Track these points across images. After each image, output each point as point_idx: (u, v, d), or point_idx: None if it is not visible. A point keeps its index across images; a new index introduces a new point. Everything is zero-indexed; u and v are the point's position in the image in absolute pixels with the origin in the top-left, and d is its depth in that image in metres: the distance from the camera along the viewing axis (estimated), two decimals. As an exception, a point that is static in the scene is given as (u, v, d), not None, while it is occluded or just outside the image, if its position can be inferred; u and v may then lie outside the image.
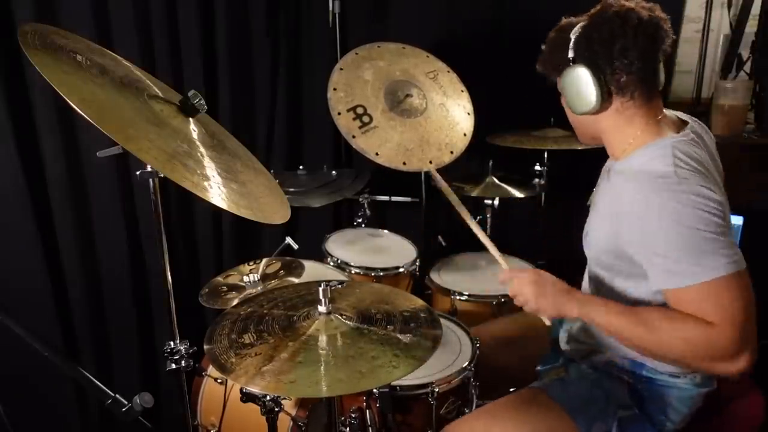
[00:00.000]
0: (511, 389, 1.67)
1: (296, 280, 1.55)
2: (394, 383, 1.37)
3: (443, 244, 2.41)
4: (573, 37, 1.18)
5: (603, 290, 1.30)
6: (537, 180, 2.34)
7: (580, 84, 1.18)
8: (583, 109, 1.21)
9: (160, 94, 1.18)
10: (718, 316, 1.06)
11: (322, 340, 1.08)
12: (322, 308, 1.14)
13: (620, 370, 1.31)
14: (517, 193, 2.13)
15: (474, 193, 2.17)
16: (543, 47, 1.29)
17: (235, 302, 1.48)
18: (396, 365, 1.00)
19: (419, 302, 1.25)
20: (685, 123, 1.26)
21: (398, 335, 1.09)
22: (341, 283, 1.28)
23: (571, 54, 1.19)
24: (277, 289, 1.35)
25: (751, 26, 2.41)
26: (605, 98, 1.18)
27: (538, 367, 1.48)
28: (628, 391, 1.29)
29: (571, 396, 1.29)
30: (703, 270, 1.05)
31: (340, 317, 1.14)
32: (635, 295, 1.23)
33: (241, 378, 0.99)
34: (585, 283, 1.43)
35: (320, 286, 1.14)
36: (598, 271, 1.31)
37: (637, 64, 1.15)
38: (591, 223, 1.31)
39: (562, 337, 1.46)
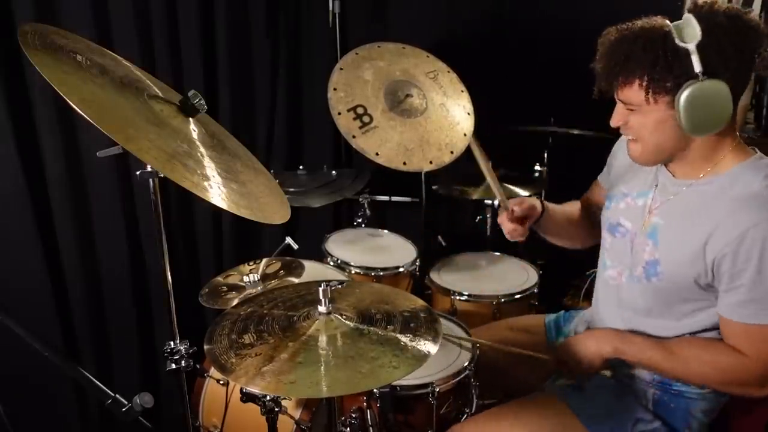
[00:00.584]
0: (511, 389, 1.68)
1: (296, 280, 1.55)
2: (395, 383, 1.36)
3: (443, 244, 2.41)
4: (693, 45, 1.01)
5: (659, 309, 1.24)
6: (537, 171, 2.33)
7: (716, 101, 1.02)
8: (708, 130, 1.07)
9: (160, 94, 1.18)
10: (755, 353, 1.09)
11: (323, 340, 1.08)
12: (322, 308, 1.14)
13: (647, 383, 1.28)
14: (518, 193, 2.13)
15: (474, 194, 2.17)
16: (621, 54, 1.08)
17: (235, 302, 1.48)
18: (396, 365, 1.00)
19: (419, 302, 1.24)
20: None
21: (399, 336, 1.09)
22: (341, 283, 1.28)
23: (698, 67, 1.00)
24: (277, 289, 1.35)
25: (751, 26, 2.41)
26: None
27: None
28: (653, 403, 1.27)
29: (589, 407, 1.27)
30: None
31: (340, 317, 1.14)
32: (702, 320, 1.20)
33: (242, 378, 0.98)
34: (618, 309, 1.33)
35: (320, 286, 1.14)
36: (669, 298, 1.21)
37: (754, 73, 1.07)
38: (666, 251, 1.18)
39: None
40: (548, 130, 2.36)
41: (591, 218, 1.52)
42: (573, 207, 1.60)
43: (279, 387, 0.97)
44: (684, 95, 1.03)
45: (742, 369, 1.11)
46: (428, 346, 1.06)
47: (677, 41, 1.02)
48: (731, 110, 1.04)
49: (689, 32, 1.02)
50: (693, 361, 1.16)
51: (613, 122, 1.18)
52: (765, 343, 1.08)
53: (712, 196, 1.12)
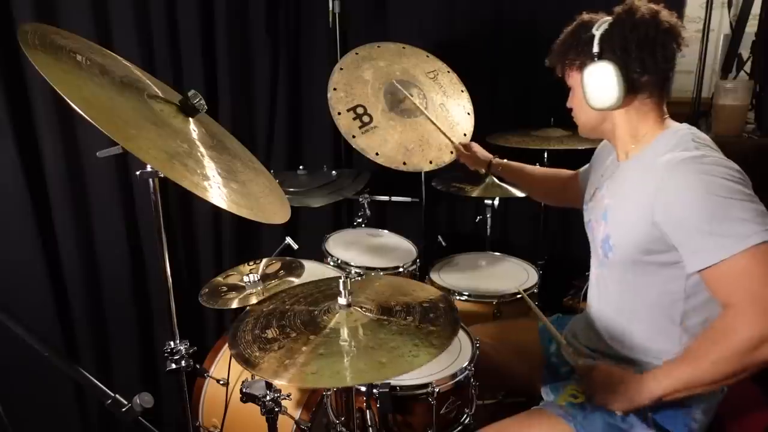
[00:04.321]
0: (511, 389, 1.68)
1: (296, 280, 1.55)
2: (394, 383, 1.36)
3: (443, 244, 2.41)
4: (598, 33, 1.20)
5: (624, 297, 1.29)
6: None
7: (605, 79, 1.20)
8: (603, 105, 1.23)
9: (160, 94, 1.18)
10: (741, 295, 1.06)
11: (344, 332, 1.09)
12: (342, 300, 1.16)
13: None
14: (517, 193, 2.13)
15: (474, 193, 2.17)
16: (558, 41, 1.31)
17: (235, 304, 1.48)
18: (416, 354, 1.01)
19: (437, 293, 1.27)
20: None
21: (418, 326, 1.11)
22: (360, 275, 1.29)
23: (596, 49, 1.21)
24: (299, 286, 1.38)
25: (751, 26, 2.41)
26: (627, 94, 1.21)
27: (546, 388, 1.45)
28: (653, 410, 1.25)
29: (592, 426, 1.25)
30: (734, 241, 1.05)
31: (360, 310, 1.16)
32: (664, 293, 1.22)
33: (266, 371, 1.00)
34: (594, 299, 1.41)
35: (341, 278, 1.16)
36: (622, 275, 1.28)
37: (662, 65, 1.20)
38: (611, 225, 1.29)
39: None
40: (550, 134, 2.35)
41: (563, 192, 1.72)
42: (556, 171, 1.79)
43: (303, 378, 0.98)
44: (583, 72, 1.23)
45: (745, 320, 1.05)
46: (447, 335, 1.07)
47: (592, 30, 1.21)
48: (622, 88, 1.19)
49: (603, 24, 1.21)
50: (711, 352, 1.10)
51: (567, 103, 1.37)
52: (743, 278, 1.05)
53: (641, 169, 1.23)
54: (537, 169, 1.82)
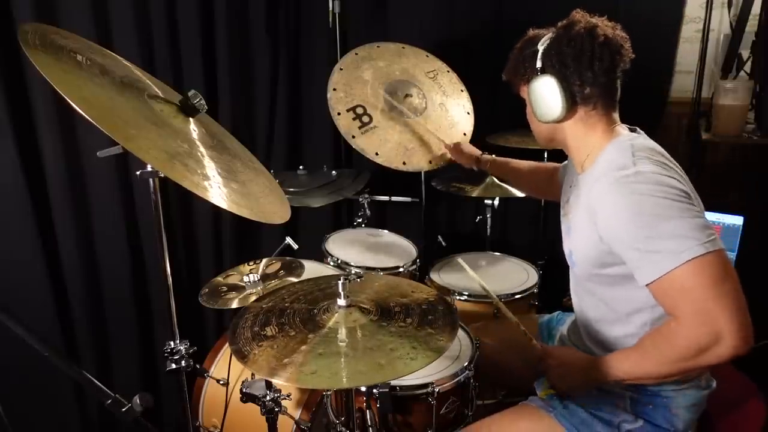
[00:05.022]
0: (510, 389, 1.68)
1: (296, 280, 1.55)
2: (394, 383, 1.36)
3: (443, 244, 2.41)
4: (541, 48, 1.24)
5: (599, 306, 1.31)
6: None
7: (547, 93, 1.24)
8: (549, 117, 1.26)
9: (160, 94, 1.18)
10: (683, 308, 1.09)
11: (342, 332, 1.10)
12: (341, 301, 1.16)
13: (624, 386, 1.29)
14: (517, 193, 2.13)
15: (474, 193, 2.17)
16: (510, 57, 1.35)
17: (235, 304, 1.48)
18: (414, 357, 1.01)
19: (436, 294, 1.28)
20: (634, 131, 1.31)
21: (417, 328, 1.11)
22: (360, 276, 1.30)
23: (539, 64, 1.24)
24: (298, 283, 1.38)
25: (751, 26, 2.41)
26: (570, 107, 1.24)
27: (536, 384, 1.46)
28: (631, 405, 1.28)
29: (574, 416, 1.29)
30: (668, 258, 1.06)
31: (359, 310, 1.16)
32: (632, 302, 1.24)
33: (263, 370, 1.00)
34: (575, 305, 1.44)
35: (339, 279, 1.16)
36: (591, 287, 1.31)
37: (601, 78, 1.21)
38: (573, 240, 1.32)
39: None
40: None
41: (549, 185, 1.72)
42: (542, 165, 1.81)
43: (300, 378, 0.98)
44: (528, 87, 1.27)
45: (685, 332, 1.09)
46: (445, 338, 1.08)
47: (537, 46, 1.25)
48: (564, 101, 1.22)
49: (546, 40, 1.24)
50: (650, 352, 1.16)
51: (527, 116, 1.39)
52: (682, 292, 1.07)
53: (586, 183, 1.26)
54: (524, 163, 1.82)
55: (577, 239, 1.29)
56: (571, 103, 1.23)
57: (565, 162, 1.60)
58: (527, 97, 1.30)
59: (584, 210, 1.24)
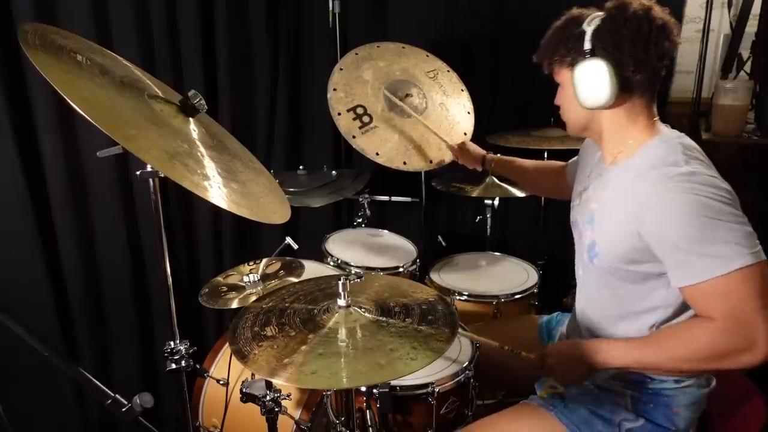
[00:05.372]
0: (510, 389, 1.68)
1: (296, 281, 1.55)
2: (394, 383, 1.36)
3: (443, 244, 2.41)
4: (590, 29, 1.16)
5: (610, 301, 1.29)
6: None
7: (596, 77, 1.15)
8: (593, 104, 1.19)
9: (160, 94, 1.18)
10: (719, 312, 1.08)
11: (342, 332, 1.10)
12: (341, 302, 1.15)
13: (624, 384, 1.29)
14: (517, 193, 2.13)
15: (474, 193, 2.17)
16: (547, 37, 1.26)
17: (235, 304, 1.48)
18: (414, 357, 1.01)
19: (436, 294, 1.28)
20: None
21: (417, 328, 1.11)
22: (360, 276, 1.29)
23: (587, 46, 1.16)
24: (298, 283, 1.37)
25: (751, 26, 2.41)
26: (618, 94, 1.16)
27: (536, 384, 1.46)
28: (632, 404, 1.27)
29: (575, 415, 1.28)
30: (718, 263, 1.05)
31: (359, 310, 1.16)
32: (648, 301, 1.23)
33: (263, 370, 1.00)
34: (579, 301, 1.41)
35: (339, 279, 1.16)
36: (608, 280, 1.28)
37: (655, 64, 1.15)
38: (598, 231, 1.27)
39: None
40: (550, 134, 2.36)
41: (556, 184, 1.70)
42: (547, 163, 1.80)
43: (300, 378, 0.98)
44: (574, 70, 1.19)
45: (718, 335, 1.09)
46: (445, 339, 1.08)
47: (583, 26, 1.17)
48: (614, 87, 1.15)
49: (594, 20, 1.17)
50: (674, 347, 1.15)
51: (555, 100, 1.33)
52: (724, 298, 1.07)
53: (630, 177, 1.20)
54: (529, 162, 1.80)
55: (605, 231, 1.25)
56: (621, 89, 1.16)
57: (574, 158, 1.59)
58: (570, 81, 1.21)
59: (619, 203, 1.20)
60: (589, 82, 1.17)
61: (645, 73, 1.16)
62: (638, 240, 1.15)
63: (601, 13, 1.17)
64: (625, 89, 1.17)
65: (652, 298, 1.22)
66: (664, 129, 1.24)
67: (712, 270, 1.06)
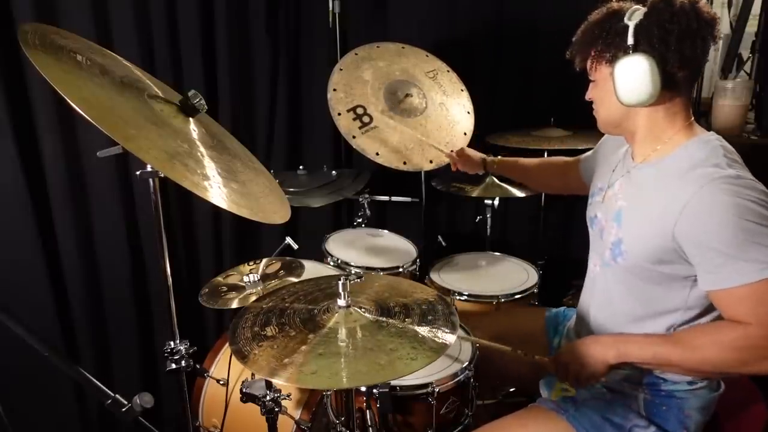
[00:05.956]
0: (511, 389, 1.67)
1: (296, 280, 1.55)
2: (394, 383, 1.36)
3: (443, 244, 2.41)
4: (633, 23, 1.11)
5: (628, 301, 1.28)
6: None
7: (639, 73, 1.11)
8: (634, 101, 1.15)
9: (160, 94, 1.18)
10: (755, 317, 1.07)
11: (342, 332, 1.10)
12: (341, 302, 1.15)
13: (637, 387, 1.28)
14: (517, 193, 2.13)
15: (474, 193, 2.17)
16: (583, 30, 1.22)
17: (235, 304, 1.48)
18: (414, 357, 1.01)
19: (436, 294, 1.27)
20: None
21: (417, 328, 1.11)
22: (360, 276, 1.29)
23: (630, 41, 1.12)
24: (298, 283, 1.37)
25: (751, 26, 2.41)
26: (661, 91, 1.13)
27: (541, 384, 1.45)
28: (645, 407, 1.27)
29: (586, 419, 1.27)
30: (756, 268, 1.05)
31: (359, 310, 1.16)
32: (669, 302, 1.22)
33: (263, 370, 1.00)
34: (590, 297, 1.39)
35: (340, 279, 1.15)
36: (631, 280, 1.26)
37: (697, 61, 1.13)
38: (626, 229, 1.24)
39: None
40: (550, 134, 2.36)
41: (564, 180, 1.69)
42: (552, 160, 1.78)
43: (300, 378, 0.98)
44: (615, 66, 1.14)
45: (750, 339, 1.08)
46: (445, 338, 1.08)
47: (625, 20, 1.13)
48: (657, 84, 1.11)
49: (636, 13, 1.12)
50: (702, 347, 1.13)
51: (587, 96, 1.29)
52: (762, 303, 1.07)
53: (666, 177, 1.17)
54: (532, 160, 1.78)
55: (634, 229, 1.22)
56: (663, 86, 1.12)
57: (588, 153, 1.57)
58: (608, 77, 1.17)
59: (653, 202, 1.17)
60: (630, 79, 1.12)
61: (689, 69, 1.13)
62: (670, 240, 1.13)
63: (643, 8, 1.12)
64: (667, 86, 1.14)
65: (674, 300, 1.20)
66: (702, 130, 1.22)
67: (749, 275, 1.05)
